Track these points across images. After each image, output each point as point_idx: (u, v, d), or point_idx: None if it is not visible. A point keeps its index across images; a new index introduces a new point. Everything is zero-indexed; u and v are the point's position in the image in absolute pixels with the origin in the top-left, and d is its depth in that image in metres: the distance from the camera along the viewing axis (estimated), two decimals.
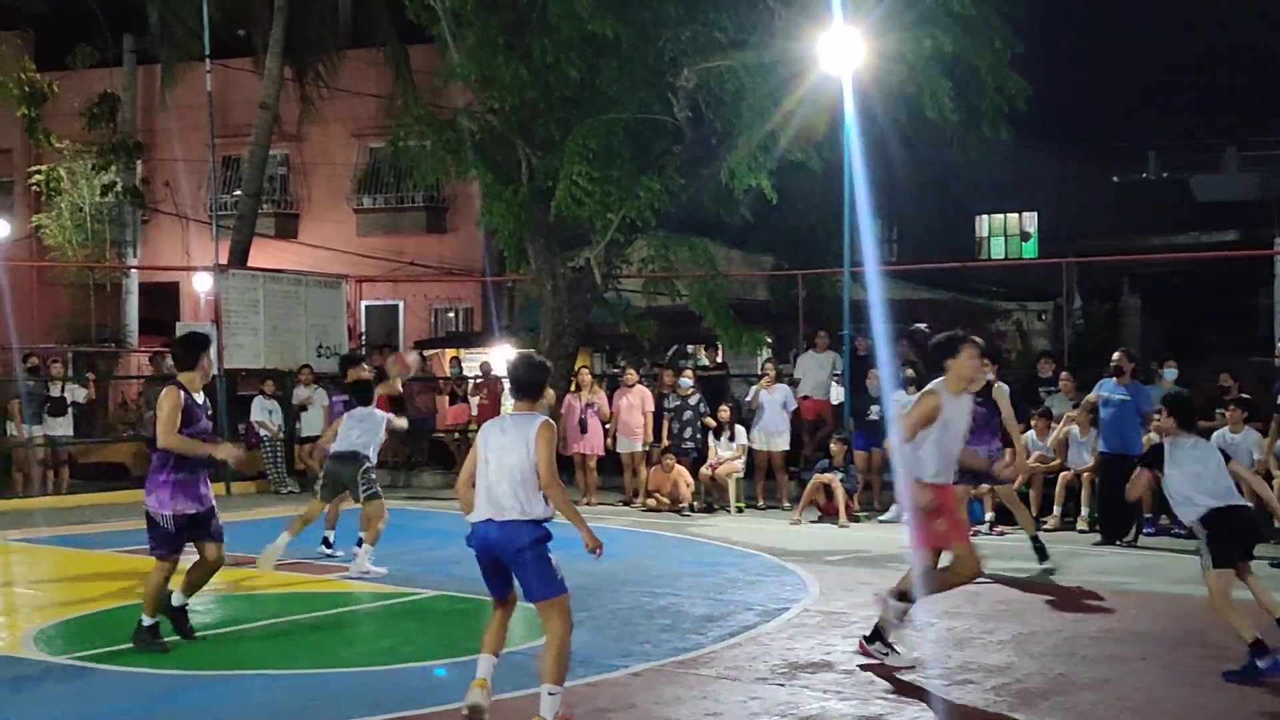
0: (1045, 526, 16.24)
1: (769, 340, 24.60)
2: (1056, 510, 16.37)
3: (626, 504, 18.74)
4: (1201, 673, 8.57)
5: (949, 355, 9.24)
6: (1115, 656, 9.03)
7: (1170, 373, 17.23)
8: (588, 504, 18.45)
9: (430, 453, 23.46)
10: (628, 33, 18.53)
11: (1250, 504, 9.34)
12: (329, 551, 13.54)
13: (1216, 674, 8.46)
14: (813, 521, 16.81)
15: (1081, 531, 15.84)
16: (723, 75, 18.57)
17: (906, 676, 8.48)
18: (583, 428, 19.09)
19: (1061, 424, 16.72)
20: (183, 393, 9.16)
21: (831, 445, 17.64)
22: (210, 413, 9.63)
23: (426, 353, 26.75)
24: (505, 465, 7.20)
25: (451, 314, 31.67)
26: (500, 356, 23.17)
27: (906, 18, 17.77)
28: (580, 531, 7.26)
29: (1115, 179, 39.77)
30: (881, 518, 17.02)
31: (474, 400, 22.90)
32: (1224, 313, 32.12)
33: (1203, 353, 28.96)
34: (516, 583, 7.35)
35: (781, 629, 9.91)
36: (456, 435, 22.79)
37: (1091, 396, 15.90)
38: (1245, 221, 32.80)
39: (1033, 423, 17.02)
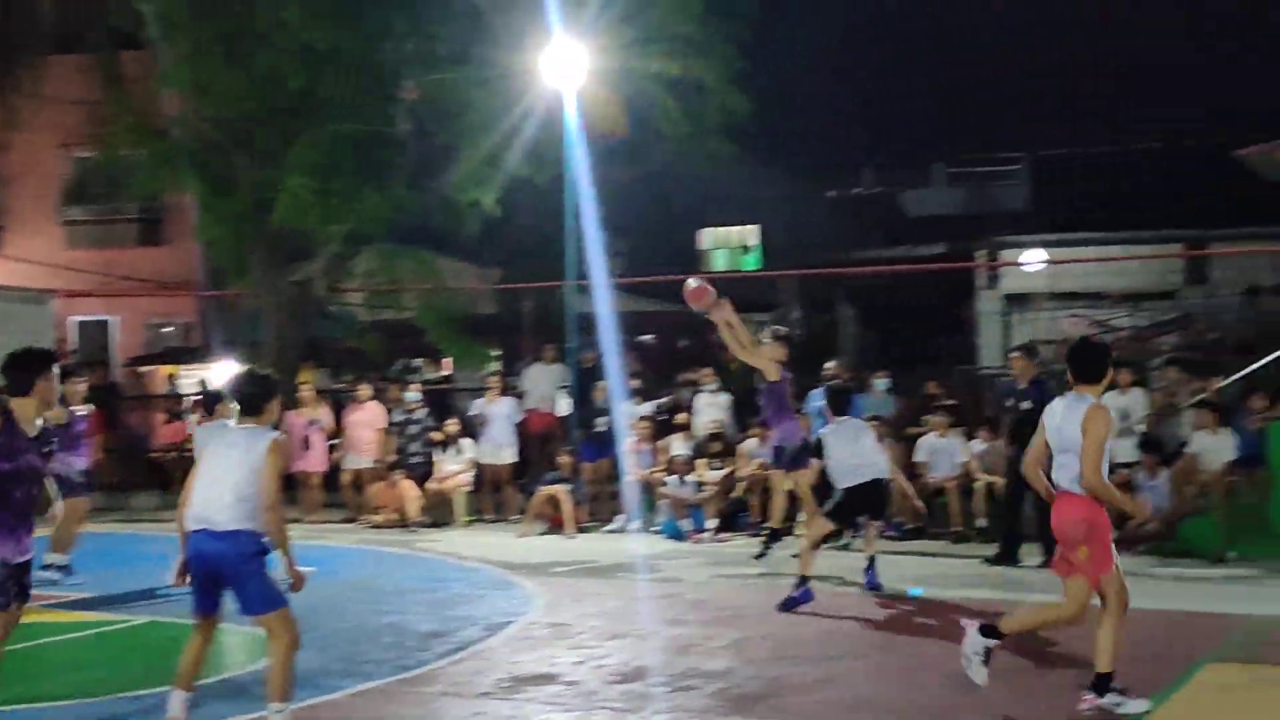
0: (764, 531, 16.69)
1: (496, 353, 24.58)
2: (778, 515, 16.75)
3: (352, 521, 18.44)
4: (908, 670, 8.91)
5: None
6: (831, 657, 9.32)
7: (882, 383, 17.94)
8: (311, 523, 18.13)
9: (146, 473, 22.63)
10: (348, 43, 18.29)
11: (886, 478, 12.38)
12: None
13: (925, 671, 8.82)
14: (540, 534, 16.86)
15: (800, 535, 16.24)
16: (446, 88, 18.52)
17: (633, 686, 8.56)
18: (305, 445, 18.73)
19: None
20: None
21: (559, 457, 17.74)
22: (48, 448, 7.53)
23: (141, 369, 25.82)
24: (229, 475, 7.01)
25: (169, 329, 30.62)
26: (220, 373, 22.51)
27: (628, 35, 18.04)
28: (284, 563, 7.09)
29: (831, 193, 41.01)
30: (608, 528, 17.19)
31: (191, 419, 22.18)
32: (933, 323, 33.43)
33: (914, 362, 30.17)
34: (232, 601, 7.14)
35: (506, 643, 9.92)
36: (172, 454, 22.05)
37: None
38: (952, 235, 34.19)
39: (754, 432, 17.43)
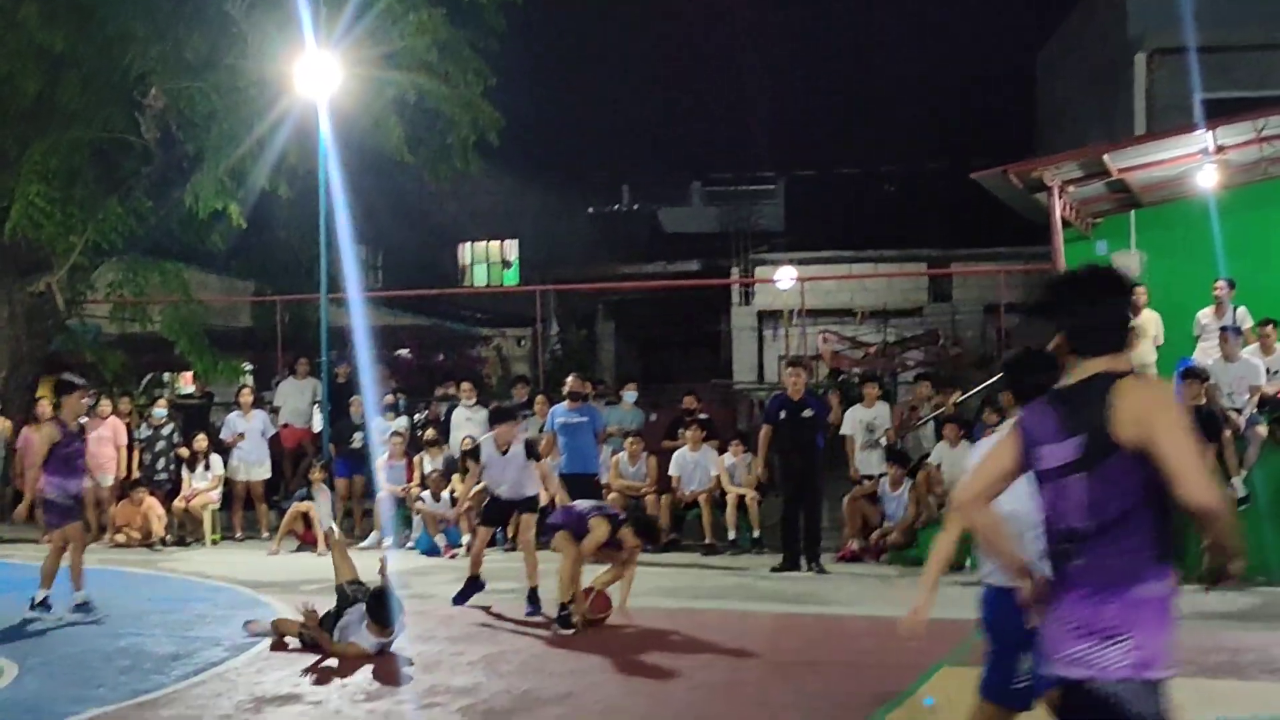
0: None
1: (249, 367, 24.02)
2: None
3: (93, 541, 17.74)
4: (657, 681, 9.00)
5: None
6: (579, 670, 9.35)
7: (630, 395, 18.13)
8: (47, 541, 17.41)
9: None
10: (88, 48, 17.66)
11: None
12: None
13: (671, 681, 8.92)
14: (291, 551, 16.53)
15: (556, 550, 16.27)
16: (194, 96, 18.03)
17: (379, 705, 8.45)
18: None
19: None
20: None
21: (312, 473, 17.41)
22: None
23: None
24: None
25: None
26: None
27: (373, 52, 17.86)
28: None
29: (591, 210, 41.34)
30: (362, 545, 16.93)
31: None
32: (690, 338, 34.00)
33: (671, 375, 30.60)
34: None
35: (250, 663, 9.67)
36: None
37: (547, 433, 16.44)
38: (708, 252, 34.84)
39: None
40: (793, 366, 15.69)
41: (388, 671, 9.31)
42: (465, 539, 16.11)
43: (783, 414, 14.70)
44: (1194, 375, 14.51)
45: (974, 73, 37.03)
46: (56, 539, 12.06)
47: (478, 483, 13.11)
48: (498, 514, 12.72)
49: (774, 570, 14.49)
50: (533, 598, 11.80)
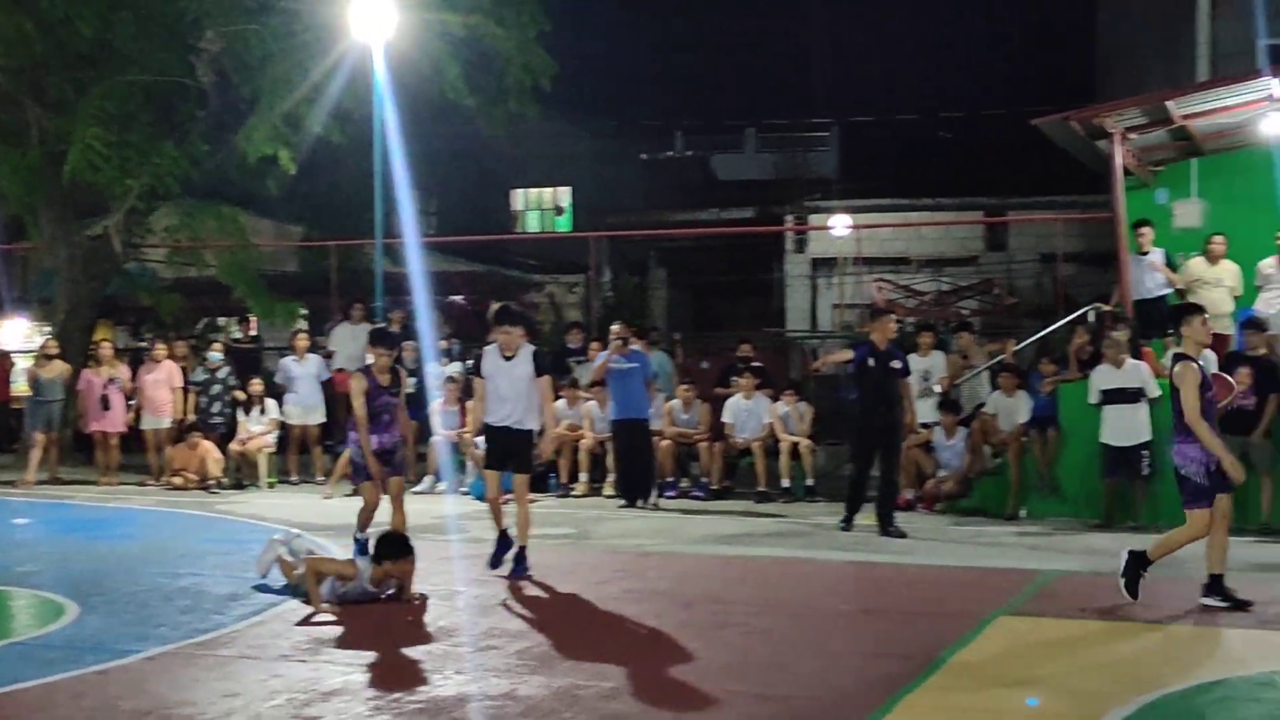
0: (574, 493, 16.75)
1: (303, 311, 24.13)
2: (583, 477, 16.85)
3: (151, 483, 17.96)
4: (710, 627, 9.00)
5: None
6: (632, 616, 9.36)
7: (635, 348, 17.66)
8: (107, 483, 17.67)
9: None
10: None
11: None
12: None
13: (723, 628, 8.93)
14: (346, 495, 16.61)
15: (609, 496, 16.37)
16: (249, 39, 18.04)
17: (435, 646, 8.50)
18: (104, 404, 18.20)
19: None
20: None
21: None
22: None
23: None
24: None
25: None
26: (10, 331, 21.74)
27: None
28: None
29: (644, 156, 41.17)
30: (416, 489, 17.01)
31: None
32: (743, 286, 33.88)
33: (723, 323, 30.57)
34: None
35: (307, 605, 9.73)
36: None
37: (599, 365, 16.46)
38: (761, 200, 34.67)
39: (563, 392, 17.43)
40: (882, 314, 14.74)
41: (444, 615, 9.36)
42: None
43: (871, 362, 13.75)
44: (1255, 325, 14.34)
45: (1033, 17, 36.58)
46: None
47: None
48: (499, 451, 11.08)
49: (841, 528, 13.69)
50: (520, 557, 10.89)
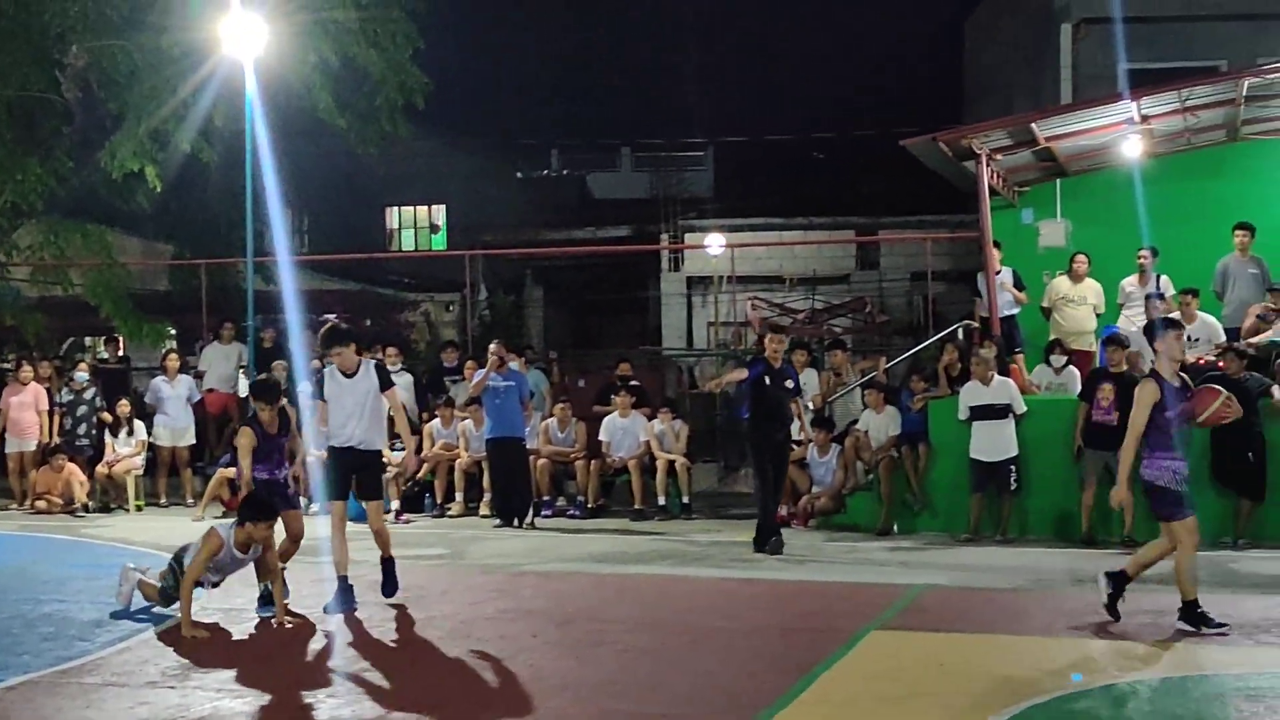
0: (450, 513, 16.65)
1: (172, 331, 23.71)
2: (459, 497, 16.76)
3: (16, 507, 17.51)
4: (586, 645, 9.01)
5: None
6: (508, 636, 9.32)
7: (513, 365, 17.60)
8: None
9: None
10: (5, 4, 17.32)
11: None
12: None
13: (599, 646, 8.93)
14: (216, 517, 16.34)
15: (484, 516, 16.30)
16: (115, 54, 17.73)
17: (311, 670, 8.39)
18: None
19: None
20: None
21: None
22: None
23: None
24: None
25: None
26: None
27: (301, 13, 17.65)
28: None
29: (520, 174, 41.15)
30: None
31: None
32: (619, 304, 33.98)
33: (600, 341, 30.64)
34: None
35: (176, 630, 9.56)
36: None
37: (476, 383, 16.40)
38: (637, 218, 34.81)
39: (438, 411, 17.36)
40: (774, 332, 14.45)
41: (317, 637, 9.26)
42: (393, 505, 16.02)
43: (768, 380, 13.56)
44: (1116, 342, 14.71)
45: (903, 40, 37.21)
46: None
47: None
48: (345, 476, 10.52)
49: (768, 552, 13.22)
50: (390, 571, 10.56)
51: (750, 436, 14.01)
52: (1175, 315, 12.70)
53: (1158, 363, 9.48)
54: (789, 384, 13.78)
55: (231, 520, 10.01)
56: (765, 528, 13.48)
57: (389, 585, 10.57)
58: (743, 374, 14.06)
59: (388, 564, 10.59)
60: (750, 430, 13.92)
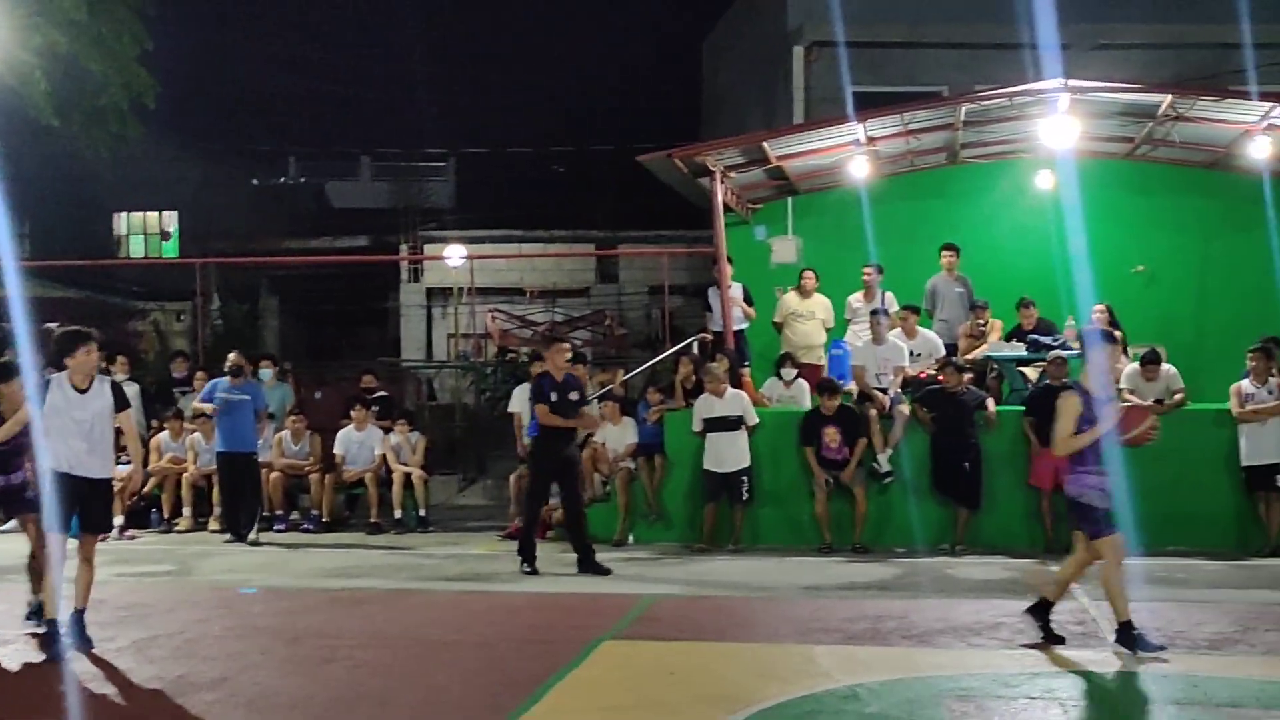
0: (178, 528, 16.18)
1: None
2: (187, 511, 16.30)
3: None
4: (316, 662, 8.86)
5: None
6: (235, 654, 9.10)
7: (266, 372, 17.37)
8: None
9: None
10: None
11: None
12: None
13: (330, 662, 8.80)
14: None
15: (214, 531, 15.89)
16: None
17: (34, 695, 8.04)
18: None
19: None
20: None
21: None
22: None
23: None
24: None
25: None
26: None
27: (18, 13, 16.92)
28: None
29: (256, 182, 40.21)
30: (3, 527, 16.04)
31: None
32: (357, 315, 33.51)
33: (337, 353, 30.15)
34: None
35: None
36: None
37: (202, 406, 16.05)
38: (377, 228, 34.39)
39: (165, 423, 16.86)
40: (558, 343, 13.51)
41: (26, 658, 8.88)
42: (117, 520, 15.43)
43: (554, 396, 12.99)
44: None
45: (642, 57, 37.73)
46: None
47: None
48: (68, 505, 9.23)
49: (526, 572, 12.79)
50: (80, 621, 9.28)
51: (535, 453, 13.56)
52: (1116, 332, 12.26)
53: (1085, 375, 9.34)
54: (574, 395, 13.18)
55: None
56: (527, 548, 13.03)
57: (82, 641, 9.17)
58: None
59: (79, 617, 9.25)
60: (535, 446, 13.49)
